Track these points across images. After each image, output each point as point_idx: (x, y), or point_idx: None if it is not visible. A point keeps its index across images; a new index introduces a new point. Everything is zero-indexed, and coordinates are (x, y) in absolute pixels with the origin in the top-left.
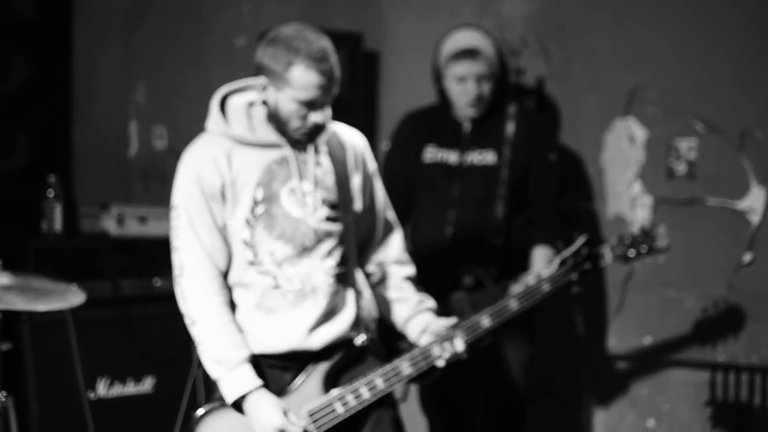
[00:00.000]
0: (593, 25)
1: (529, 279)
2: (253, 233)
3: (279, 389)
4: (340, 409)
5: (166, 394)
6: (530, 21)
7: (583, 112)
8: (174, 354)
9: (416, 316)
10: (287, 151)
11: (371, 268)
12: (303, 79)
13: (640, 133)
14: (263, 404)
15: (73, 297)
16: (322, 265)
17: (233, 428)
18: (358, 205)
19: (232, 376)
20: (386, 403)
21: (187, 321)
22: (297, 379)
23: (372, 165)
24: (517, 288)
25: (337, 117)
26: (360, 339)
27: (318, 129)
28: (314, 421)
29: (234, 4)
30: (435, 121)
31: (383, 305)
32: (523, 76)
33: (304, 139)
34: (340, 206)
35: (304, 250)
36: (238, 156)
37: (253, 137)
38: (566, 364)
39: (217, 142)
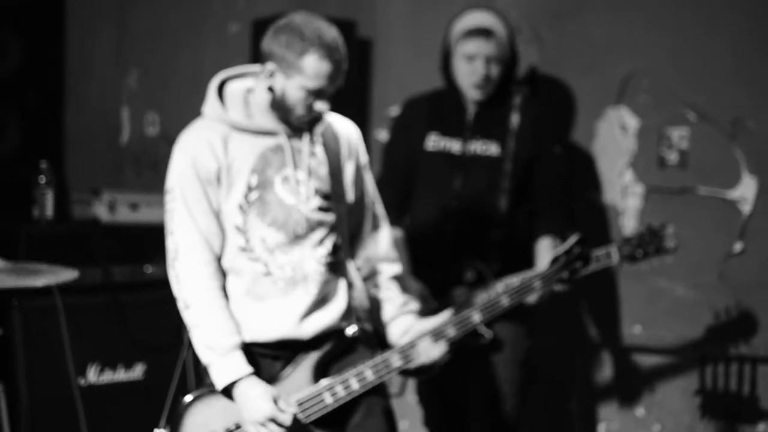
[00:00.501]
0: (587, 13)
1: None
2: (245, 219)
3: (269, 378)
4: (328, 399)
5: (157, 381)
6: (524, 8)
7: (575, 100)
8: (165, 341)
9: (399, 317)
10: (282, 139)
11: (359, 263)
12: (316, 67)
13: (632, 121)
14: (253, 391)
15: (64, 274)
16: (314, 254)
17: (222, 414)
18: (349, 196)
19: (223, 362)
20: (377, 392)
21: (180, 305)
22: (287, 369)
23: (364, 158)
24: (509, 283)
25: (331, 104)
26: (351, 329)
27: (319, 117)
28: (303, 411)
29: None
30: (438, 106)
31: (370, 303)
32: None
33: (304, 127)
34: (332, 197)
35: (296, 238)
36: (234, 141)
37: (250, 124)
38: (556, 353)
39: (213, 127)
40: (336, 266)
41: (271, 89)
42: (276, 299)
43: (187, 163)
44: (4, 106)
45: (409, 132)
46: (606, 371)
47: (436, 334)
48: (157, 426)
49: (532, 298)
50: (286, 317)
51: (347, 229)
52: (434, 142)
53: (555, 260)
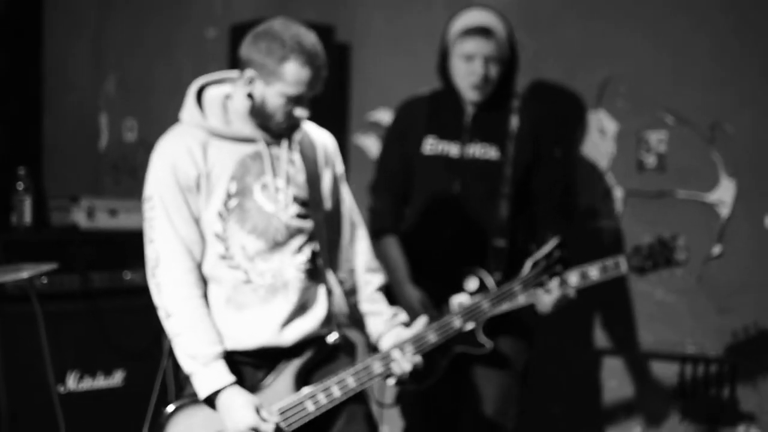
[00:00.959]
0: (564, 18)
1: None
2: (225, 226)
3: (250, 386)
4: (311, 407)
5: (136, 388)
6: (503, 13)
7: (555, 104)
8: (144, 347)
9: (390, 331)
10: (261, 146)
11: (341, 275)
12: (296, 74)
13: (610, 125)
14: (236, 401)
15: (44, 267)
16: (294, 261)
17: (204, 425)
18: (327, 204)
19: (206, 372)
20: (359, 398)
21: (161, 314)
22: (268, 377)
23: (340, 168)
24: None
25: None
26: (332, 337)
27: (298, 123)
28: (285, 419)
29: None
30: (435, 109)
31: (356, 317)
32: None
33: (283, 134)
34: (310, 203)
35: (276, 245)
36: (213, 148)
37: (229, 130)
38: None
39: (192, 134)
40: (315, 273)
41: (250, 96)
42: (256, 307)
43: (167, 171)
44: None
45: (405, 135)
46: (586, 374)
47: (418, 341)
48: None
49: (545, 306)
50: (266, 325)
51: (326, 236)
52: (431, 145)
53: (535, 264)
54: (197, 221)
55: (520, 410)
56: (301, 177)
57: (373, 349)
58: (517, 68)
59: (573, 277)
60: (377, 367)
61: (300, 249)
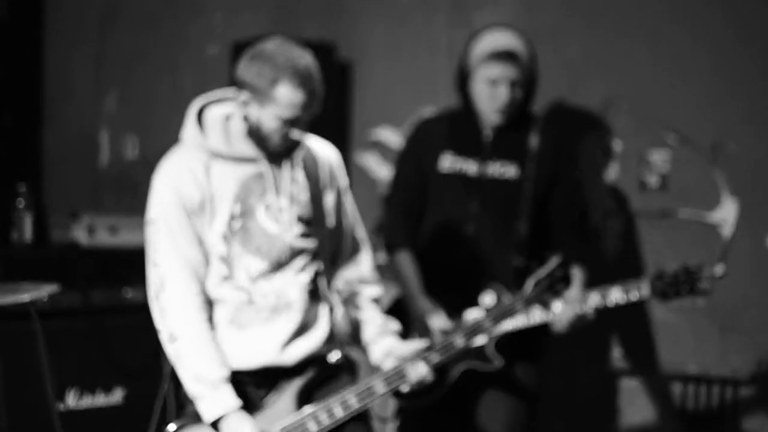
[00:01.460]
0: (566, 34)
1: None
2: (229, 248)
3: (252, 406)
4: (312, 427)
5: (136, 406)
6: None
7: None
8: (144, 365)
9: (380, 338)
10: (263, 165)
11: (339, 285)
12: (288, 97)
13: (614, 144)
14: (241, 427)
15: (46, 289)
16: (296, 281)
17: None
18: (330, 220)
19: (213, 396)
20: (361, 418)
21: (164, 337)
22: (270, 396)
23: (343, 181)
24: (495, 307)
25: (309, 128)
26: (334, 356)
27: (297, 144)
28: None
29: (206, 12)
30: (454, 127)
31: (350, 325)
32: None
33: (283, 154)
34: (313, 222)
35: (279, 266)
36: (216, 169)
37: (230, 151)
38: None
39: (194, 155)
40: (318, 292)
41: (246, 118)
42: (259, 327)
43: (171, 194)
44: None
45: (422, 152)
46: (587, 393)
47: (420, 359)
48: None
49: (561, 325)
50: (268, 345)
51: (328, 253)
52: (449, 163)
53: (537, 283)
54: (201, 243)
55: None
56: (304, 195)
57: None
58: (536, 87)
59: (593, 298)
60: (379, 386)
61: (303, 269)
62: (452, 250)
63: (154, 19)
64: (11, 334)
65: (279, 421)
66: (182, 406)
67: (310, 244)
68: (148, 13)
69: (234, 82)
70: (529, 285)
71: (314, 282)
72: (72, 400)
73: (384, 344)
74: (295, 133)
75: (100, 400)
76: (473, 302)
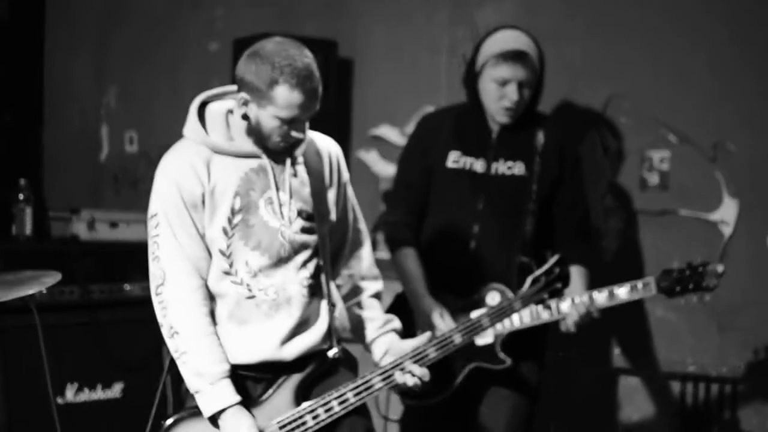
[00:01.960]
0: (567, 34)
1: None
2: (229, 243)
3: (251, 400)
4: (310, 422)
5: (135, 400)
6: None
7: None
8: (143, 359)
9: (381, 336)
10: (265, 160)
11: (340, 280)
12: (287, 98)
13: (613, 143)
14: (241, 422)
15: (49, 279)
16: (297, 276)
17: None
18: (332, 215)
19: (212, 390)
20: (360, 412)
21: (166, 332)
22: (269, 391)
23: (346, 175)
24: (494, 305)
25: (311, 124)
26: (332, 351)
27: (297, 143)
28: None
29: (207, 9)
30: (461, 124)
31: (351, 321)
32: None
33: (283, 152)
34: (315, 217)
35: (280, 261)
36: (217, 164)
37: (232, 147)
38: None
39: (195, 150)
40: (318, 288)
41: (245, 117)
42: (259, 323)
43: (171, 188)
44: None
45: (428, 148)
46: (585, 392)
47: (418, 356)
48: None
49: (568, 326)
50: (268, 340)
51: (329, 248)
52: (455, 160)
53: (535, 281)
54: (203, 237)
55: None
56: (305, 190)
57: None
58: (543, 87)
59: (601, 296)
60: (377, 382)
61: (304, 264)
62: (456, 248)
63: (154, 16)
64: (11, 328)
65: (277, 415)
66: (181, 401)
67: (311, 239)
68: (148, 10)
69: (234, 80)
70: (527, 283)
71: (315, 277)
72: (71, 394)
73: (383, 342)
74: (294, 133)
75: (99, 393)
76: (477, 301)
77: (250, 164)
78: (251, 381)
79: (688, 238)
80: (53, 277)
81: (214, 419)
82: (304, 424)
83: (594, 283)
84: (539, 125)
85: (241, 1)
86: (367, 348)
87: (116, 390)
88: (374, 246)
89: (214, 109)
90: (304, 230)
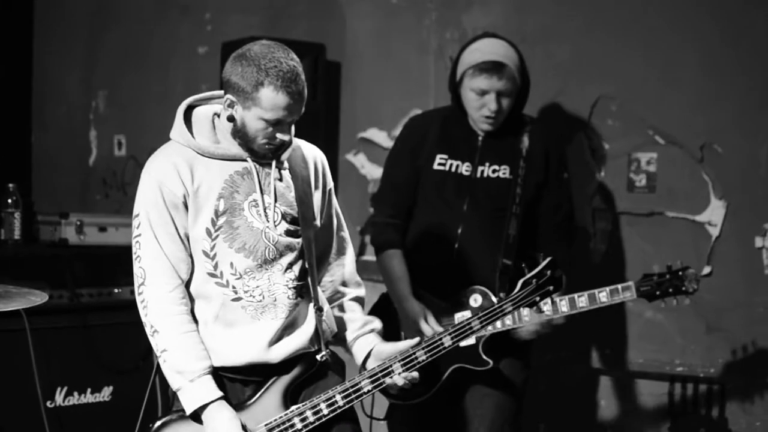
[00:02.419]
0: (556, 35)
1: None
2: (213, 244)
3: (239, 403)
4: (298, 425)
5: (124, 403)
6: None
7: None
8: (132, 363)
9: (361, 337)
10: (250, 163)
11: (323, 284)
12: (272, 100)
13: (601, 145)
14: (222, 416)
15: (35, 298)
16: (283, 278)
17: None
18: (317, 221)
19: (192, 387)
20: (347, 417)
21: (148, 330)
22: (257, 393)
23: (330, 182)
24: (483, 308)
25: (298, 127)
26: (320, 354)
27: (283, 145)
28: None
29: (196, 13)
30: (447, 127)
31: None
32: None
33: (269, 155)
34: (300, 221)
35: (265, 263)
36: (201, 166)
37: (217, 150)
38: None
39: (180, 152)
40: (304, 290)
41: (231, 119)
42: (245, 325)
43: (154, 189)
44: None
45: (415, 150)
46: (574, 394)
47: (407, 359)
48: None
49: (527, 334)
50: (255, 342)
51: (315, 252)
52: (442, 162)
53: (526, 283)
54: (185, 239)
55: (516, 430)
56: (290, 194)
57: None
58: (528, 92)
59: (581, 300)
60: (366, 385)
61: (290, 266)
62: (440, 249)
63: (144, 20)
64: (1, 332)
65: (265, 418)
66: (171, 403)
67: (295, 241)
68: (138, 13)
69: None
70: (518, 286)
71: (301, 280)
72: (60, 398)
73: (365, 342)
74: (279, 135)
75: (88, 397)
76: (460, 303)
77: (235, 167)
78: (239, 384)
79: (675, 240)
80: (40, 297)
81: (197, 416)
82: (292, 426)
83: (582, 284)
84: (525, 129)
85: (229, 4)
86: (348, 349)
87: (105, 393)
88: (363, 249)
89: (201, 113)
90: (288, 233)
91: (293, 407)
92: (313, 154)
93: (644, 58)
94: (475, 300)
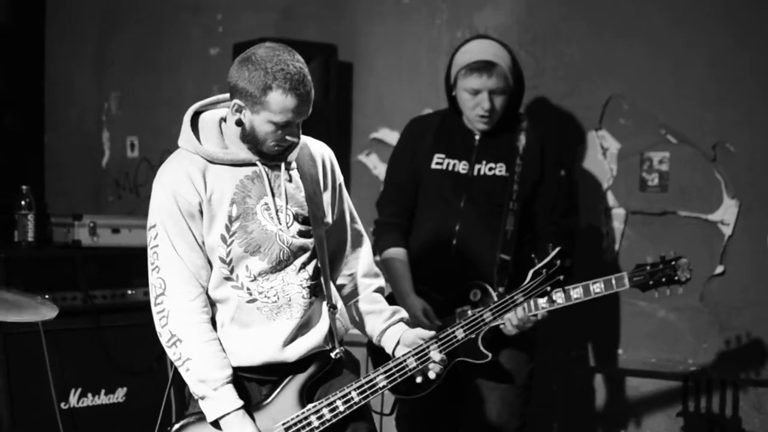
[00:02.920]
0: (566, 35)
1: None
2: (229, 250)
3: (255, 402)
4: (315, 422)
5: (138, 404)
6: (504, 32)
7: (556, 123)
8: (146, 364)
9: (390, 328)
10: (260, 167)
11: (342, 280)
12: (280, 103)
13: (613, 144)
14: (243, 427)
15: (46, 311)
16: (297, 279)
17: None
18: (328, 218)
19: (216, 396)
20: (362, 415)
21: (165, 340)
22: (273, 392)
23: (339, 177)
24: (496, 300)
25: (310, 127)
26: (335, 351)
27: (291, 146)
28: None
29: (207, 14)
30: (445, 128)
31: (356, 319)
32: None
33: (277, 156)
34: (311, 220)
35: (279, 264)
36: (213, 173)
37: (226, 155)
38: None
39: (191, 160)
40: (318, 289)
41: (239, 123)
42: (261, 325)
43: (168, 198)
44: None
45: (414, 151)
46: (587, 394)
47: (420, 354)
48: None
49: (509, 330)
50: (270, 342)
51: (327, 250)
52: (440, 162)
53: (536, 274)
54: (201, 246)
55: (522, 423)
56: (300, 194)
57: (374, 351)
58: (523, 91)
59: (576, 291)
60: (381, 381)
61: (303, 266)
62: (439, 246)
63: (155, 21)
64: (15, 334)
65: (282, 417)
66: (186, 405)
67: (308, 241)
68: (149, 14)
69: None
70: (529, 276)
71: (314, 279)
72: (74, 399)
73: (394, 333)
74: (289, 137)
75: (102, 398)
76: (459, 298)
77: (245, 172)
78: (255, 383)
79: (688, 239)
80: (50, 310)
81: (217, 423)
82: (309, 424)
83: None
84: (521, 127)
85: (241, 5)
86: (377, 341)
87: (119, 395)
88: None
89: (207, 118)
90: (301, 234)
91: (309, 405)
92: (320, 151)
93: (655, 58)
94: (475, 294)
